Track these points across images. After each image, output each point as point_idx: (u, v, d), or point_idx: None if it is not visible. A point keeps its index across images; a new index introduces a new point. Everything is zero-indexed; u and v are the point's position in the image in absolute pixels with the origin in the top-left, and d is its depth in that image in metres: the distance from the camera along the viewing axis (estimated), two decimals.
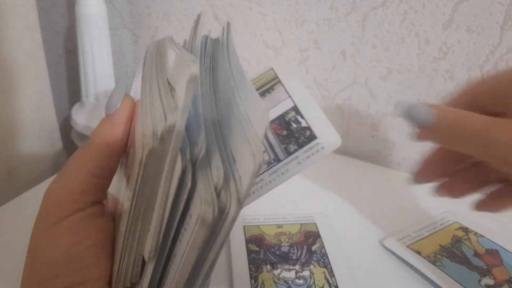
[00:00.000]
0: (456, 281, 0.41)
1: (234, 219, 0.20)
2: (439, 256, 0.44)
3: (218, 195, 0.20)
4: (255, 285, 0.39)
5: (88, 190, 0.24)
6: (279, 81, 0.35)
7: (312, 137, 0.34)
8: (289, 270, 0.41)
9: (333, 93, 0.62)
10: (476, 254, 0.44)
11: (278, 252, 0.43)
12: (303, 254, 0.43)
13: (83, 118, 0.68)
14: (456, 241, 0.46)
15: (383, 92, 0.59)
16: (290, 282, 0.40)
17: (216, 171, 0.21)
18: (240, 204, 0.20)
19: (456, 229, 0.48)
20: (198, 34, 0.27)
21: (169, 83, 0.22)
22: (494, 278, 0.42)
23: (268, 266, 0.41)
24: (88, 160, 0.24)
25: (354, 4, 0.55)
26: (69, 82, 0.83)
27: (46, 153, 0.66)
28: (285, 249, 0.44)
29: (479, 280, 0.41)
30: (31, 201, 0.50)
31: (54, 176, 0.26)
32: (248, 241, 0.44)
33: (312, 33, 0.60)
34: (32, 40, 0.59)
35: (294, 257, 0.43)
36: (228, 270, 0.42)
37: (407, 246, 0.45)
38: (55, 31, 0.79)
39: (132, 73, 0.77)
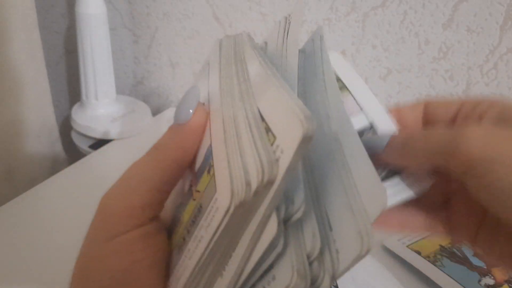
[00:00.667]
0: (456, 281, 0.41)
1: None
2: (439, 256, 0.44)
3: (311, 263, 0.18)
4: None
5: (149, 205, 0.22)
6: (345, 87, 0.27)
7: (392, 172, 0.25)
8: None
9: None
10: (475, 254, 0.44)
11: None
12: None
13: (83, 118, 0.68)
14: None
15: (383, 92, 0.59)
16: None
17: (311, 239, 0.18)
18: (333, 281, 0.18)
19: None
20: (288, 46, 0.22)
21: (262, 118, 0.18)
22: (494, 278, 0.42)
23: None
24: (153, 173, 0.22)
25: (354, 4, 0.55)
26: (69, 82, 0.83)
27: (46, 153, 0.66)
28: None
29: (479, 280, 0.41)
30: (30, 201, 0.49)
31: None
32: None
33: (312, 33, 0.60)
34: (32, 40, 0.59)
35: None
36: None
37: (407, 246, 0.45)
38: (55, 31, 0.79)
39: (132, 73, 0.77)
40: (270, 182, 0.16)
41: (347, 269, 0.17)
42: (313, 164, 0.20)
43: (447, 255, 0.44)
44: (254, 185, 0.16)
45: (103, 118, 0.67)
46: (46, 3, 0.76)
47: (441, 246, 0.45)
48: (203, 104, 0.22)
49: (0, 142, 0.58)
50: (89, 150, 0.69)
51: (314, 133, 0.15)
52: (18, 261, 0.42)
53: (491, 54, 0.51)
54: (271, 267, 0.19)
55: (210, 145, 0.20)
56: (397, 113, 0.27)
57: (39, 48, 0.61)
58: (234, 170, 0.18)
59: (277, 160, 0.16)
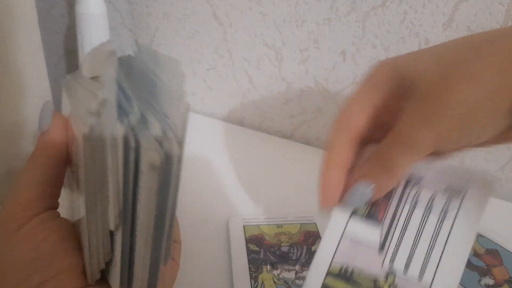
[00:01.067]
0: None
1: (179, 159, 0.23)
2: None
3: (161, 144, 0.23)
4: (255, 285, 0.39)
5: (40, 198, 0.26)
6: None
7: None
8: (289, 270, 0.41)
9: (333, 93, 0.62)
10: (476, 254, 0.44)
11: (278, 252, 0.43)
12: (303, 254, 0.43)
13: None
14: None
15: None
16: (290, 282, 0.40)
17: (154, 128, 0.23)
18: (181, 145, 0.23)
19: None
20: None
21: (91, 78, 0.25)
22: (494, 278, 0.42)
23: (268, 266, 0.41)
24: (35, 171, 0.26)
25: (354, 4, 0.55)
26: None
27: None
28: (285, 249, 0.44)
29: (479, 280, 0.41)
30: None
31: (17, 177, 0.27)
32: (248, 241, 0.44)
33: (312, 33, 0.60)
34: (32, 40, 0.59)
35: (294, 257, 0.43)
36: (228, 270, 0.42)
37: None
38: (55, 31, 0.79)
39: None
40: (104, 99, 0.22)
41: (184, 128, 0.23)
42: (145, 92, 0.26)
43: None
44: (93, 109, 0.22)
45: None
46: (46, 3, 0.76)
47: None
48: (58, 112, 0.28)
49: (1, 142, 0.58)
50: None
51: (114, 49, 0.24)
52: None
53: None
54: (137, 168, 0.23)
55: (71, 127, 0.26)
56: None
57: (40, 48, 0.61)
58: (80, 111, 0.23)
59: (103, 85, 0.23)
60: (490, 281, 0.41)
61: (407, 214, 0.31)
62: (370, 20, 0.55)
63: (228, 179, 0.56)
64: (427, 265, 0.29)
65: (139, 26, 0.72)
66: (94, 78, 0.25)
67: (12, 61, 0.56)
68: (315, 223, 0.48)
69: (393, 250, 0.30)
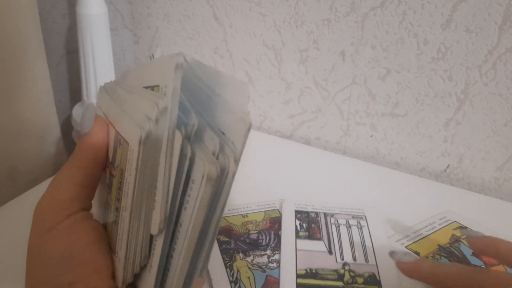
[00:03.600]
0: None
1: (233, 175, 0.24)
2: (437, 256, 0.44)
3: (217, 157, 0.24)
4: (231, 274, 0.41)
5: (76, 198, 0.27)
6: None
7: None
8: (261, 255, 0.43)
9: (333, 93, 0.62)
10: (474, 254, 0.45)
11: (248, 240, 0.45)
12: (272, 239, 0.45)
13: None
14: (455, 240, 0.46)
15: (382, 92, 0.59)
16: (264, 266, 0.42)
17: (211, 142, 0.24)
18: (237, 162, 0.24)
19: (454, 229, 0.48)
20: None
21: (146, 88, 0.26)
22: None
23: (241, 254, 0.43)
24: (74, 172, 0.27)
25: (353, 4, 0.56)
26: (70, 82, 0.84)
27: (47, 153, 0.66)
28: (254, 236, 0.45)
29: None
30: (32, 201, 0.50)
31: (55, 176, 0.27)
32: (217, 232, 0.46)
33: (311, 33, 0.60)
34: (33, 41, 0.59)
35: (263, 243, 0.45)
36: None
37: (406, 247, 0.45)
38: (56, 31, 0.79)
39: None
40: (164, 108, 0.23)
41: (243, 146, 0.24)
42: (202, 107, 0.27)
43: (445, 255, 0.44)
44: (154, 116, 0.23)
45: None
46: (47, 4, 0.77)
47: (439, 246, 0.46)
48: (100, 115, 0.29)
49: (2, 142, 0.58)
50: None
51: (183, 61, 0.24)
52: (19, 261, 0.42)
53: (489, 55, 0.51)
54: (188, 177, 0.24)
55: (116, 132, 0.26)
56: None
57: (41, 48, 0.61)
58: (136, 116, 0.24)
59: (165, 94, 0.24)
60: None
61: (336, 231, 0.47)
62: (369, 20, 0.56)
63: None
64: (367, 254, 0.44)
65: (140, 27, 0.72)
66: (151, 87, 0.25)
67: (13, 61, 0.57)
68: (278, 209, 0.50)
69: (339, 251, 0.44)
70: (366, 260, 0.43)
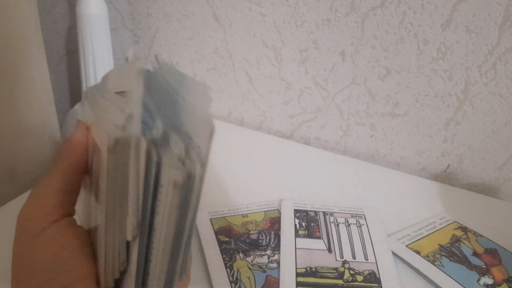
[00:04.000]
0: (455, 280, 0.41)
1: (201, 179, 0.24)
2: (438, 256, 0.44)
3: (183, 163, 0.24)
4: (231, 274, 0.41)
5: (59, 204, 0.27)
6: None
7: None
8: (261, 255, 0.43)
9: (332, 93, 0.62)
10: (475, 254, 0.45)
11: (248, 240, 0.45)
12: (272, 239, 0.45)
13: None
14: (455, 240, 0.46)
15: (382, 92, 0.59)
16: (264, 267, 0.42)
17: (177, 146, 0.24)
18: (204, 166, 0.24)
19: (455, 229, 0.48)
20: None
21: (116, 93, 0.26)
22: (493, 278, 0.42)
23: (241, 254, 0.43)
24: (56, 179, 0.27)
25: (353, 4, 0.56)
26: (70, 82, 0.84)
27: (47, 153, 0.66)
28: (254, 236, 0.46)
29: (478, 280, 0.42)
30: None
31: (38, 183, 0.28)
32: (217, 232, 0.46)
33: (311, 33, 0.60)
34: (33, 41, 0.59)
35: (264, 243, 0.45)
36: (203, 263, 0.42)
37: (407, 246, 0.45)
38: (56, 31, 0.79)
39: None
40: (130, 114, 0.24)
41: (208, 149, 0.24)
42: (168, 110, 0.27)
43: (446, 255, 0.44)
44: (120, 123, 0.23)
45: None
46: (47, 4, 0.77)
47: (440, 245, 0.46)
48: (82, 121, 0.30)
49: (2, 142, 0.58)
50: None
51: (144, 67, 0.25)
52: None
53: (489, 54, 0.51)
54: (157, 182, 0.24)
55: (93, 138, 0.27)
56: None
57: (41, 48, 0.61)
58: (105, 124, 0.25)
59: (130, 100, 0.25)
60: (489, 281, 0.42)
61: (335, 229, 0.47)
62: (369, 20, 0.56)
63: (221, 177, 0.56)
64: (367, 252, 0.44)
65: (140, 27, 0.72)
66: (120, 93, 0.26)
67: (13, 61, 0.57)
68: (278, 209, 0.49)
69: (339, 249, 0.44)
70: (366, 258, 0.43)
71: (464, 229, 0.48)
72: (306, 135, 0.67)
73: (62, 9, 0.76)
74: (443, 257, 0.44)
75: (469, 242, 0.46)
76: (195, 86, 0.27)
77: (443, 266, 0.43)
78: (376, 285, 0.40)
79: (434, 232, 0.48)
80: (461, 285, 0.41)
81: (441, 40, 0.53)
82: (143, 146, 0.24)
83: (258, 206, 0.50)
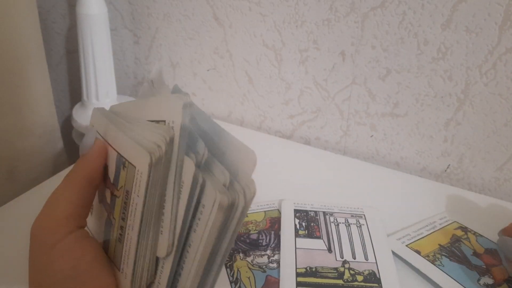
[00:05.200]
0: (455, 280, 0.41)
1: (243, 210, 0.25)
2: (438, 255, 0.44)
3: (228, 189, 0.25)
4: (231, 274, 0.41)
5: (72, 216, 0.28)
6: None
7: None
8: (262, 255, 0.43)
9: (333, 93, 0.62)
10: (475, 254, 0.45)
11: (248, 240, 0.45)
12: (272, 239, 0.45)
13: (84, 118, 0.69)
14: (456, 240, 0.46)
15: (382, 92, 0.59)
16: (264, 267, 0.42)
17: (222, 174, 0.25)
18: (247, 201, 0.25)
19: (455, 229, 0.48)
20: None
21: (151, 121, 0.27)
22: (493, 278, 0.42)
23: (241, 254, 0.43)
24: (70, 191, 0.28)
25: (353, 4, 0.56)
26: (70, 83, 0.84)
27: (47, 153, 0.66)
28: (254, 236, 0.46)
29: (478, 279, 0.42)
30: (31, 201, 0.50)
31: (55, 176, 0.28)
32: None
33: (311, 33, 0.60)
34: (33, 41, 0.59)
35: (264, 243, 0.45)
36: None
37: (407, 246, 0.45)
38: (56, 31, 0.79)
39: (133, 73, 0.78)
40: (172, 138, 0.25)
41: (253, 185, 0.26)
42: (205, 137, 0.28)
43: (446, 255, 0.44)
44: (162, 144, 0.25)
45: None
46: (47, 4, 0.77)
47: (440, 245, 0.45)
48: (100, 139, 0.30)
49: (2, 142, 0.58)
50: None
51: (191, 101, 0.26)
52: (19, 261, 0.42)
53: (490, 54, 0.51)
54: (198, 202, 0.25)
55: (118, 154, 0.28)
56: None
57: (41, 48, 0.61)
58: (143, 143, 0.25)
59: (172, 127, 0.26)
60: (489, 281, 0.41)
61: (335, 229, 0.47)
62: (369, 21, 0.56)
63: None
64: (367, 252, 0.44)
65: (140, 27, 0.72)
66: (157, 122, 0.27)
67: (13, 62, 0.57)
68: (278, 209, 0.49)
69: (339, 249, 0.44)
70: (366, 258, 0.43)
71: (464, 229, 0.48)
72: (306, 135, 0.67)
73: (62, 9, 0.76)
74: (443, 257, 0.44)
75: (469, 242, 0.46)
76: (238, 147, 0.27)
77: (443, 266, 0.43)
78: (376, 285, 0.40)
79: (434, 232, 0.48)
80: (461, 285, 0.41)
81: (441, 40, 0.53)
82: (191, 166, 0.25)
83: (258, 206, 0.50)
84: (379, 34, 0.56)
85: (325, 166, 0.60)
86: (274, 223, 0.48)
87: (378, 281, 0.41)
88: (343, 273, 0.41)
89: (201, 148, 0.26)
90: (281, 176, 0.57)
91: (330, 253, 0.44)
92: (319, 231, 0.46)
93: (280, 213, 0.49)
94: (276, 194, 0.52)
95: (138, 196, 0.26)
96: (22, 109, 0.60)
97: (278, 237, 0.45)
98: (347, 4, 0.56)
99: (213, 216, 0.24)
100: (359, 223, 0.48)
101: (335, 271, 0.41)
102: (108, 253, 0.29)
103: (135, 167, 0.26)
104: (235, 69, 0.67)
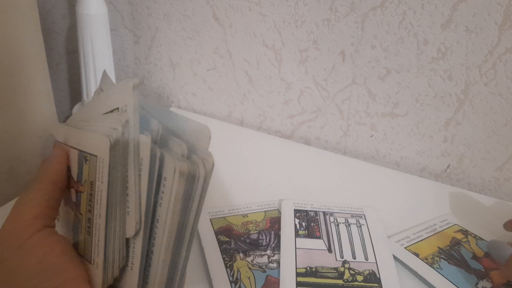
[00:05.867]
0: (453, 283, 0.41)
1: (205, 180, 0.26)
2: (437, 258, 0.44)
3: (187, 159, 0.25)
4: (231, 274, 0.41)
5: (39, 216, 0.28)
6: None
7: None
8: (262, 255, 0.43)
9: (333, 93, 0.62)
10: (474, 257, 0.44)
11: (248, 240, 0.45)
12: (272, 239, 0.45)
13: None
14: (455, 243, 0.46)
15: (382, 92, 0.59)
16: (264, 266, 0.42)
17: (179, 147, 0.26)
18: (207, 171, 0.25)
19: (455, 232, 0.48)
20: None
21: (105, 113, 0.28)
22: (492, 281, 0.42)
23: (241, 254, 0.43)
24: (36, 194, 0.29)
25: (353, 4, 0.56)
26: (70, 82, 0.84)
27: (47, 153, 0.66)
28: (254, 236, 0.46)
29: (477, 283, 0.41)
30: None
31: (17, 199, 0.29)
32: (218, 232, 0.46)
33: (311, 33, 0.60)
34: (33, 41, 0.59)
35: (264, 243, 0.45)
36: (203, 263, 0.42)
37: (405, 248, 0.45)
38: (56, 31, 0.79)
39: (133, 73, 0.78)
40: (126, 120, 0.26)
41: (209, 153, 0.26)
42: (158, 115, 0.28)
43: (445, 257, 0.44)
44: (118, 126, 0.25)
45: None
46: (47, 4, 0.77)
47: (439, 248, 0.45)
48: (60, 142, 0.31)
49: (2, 142, 0.58)
50: None
51: (138, 82, 0.27)
52: None
53: (489, 54, 0.51)
54: (160, 176, 0.26)
55: (79, 151, 0.29)
56: None
57: (41, 48, 0.61)
58: (101, 130, 0.26)
59: (126, 110, 0.26)
60: (488, 285, 0.41)
61: (335, 229, 0.47)
62: (369, 20, 0.56)
63: (221, 177, 0.56)
64: (367, 252, 0.44)
65: (140, 27, 0.72)
66: (111, 111, 0.28)
67: (13, 62, 0.57)
68: (278, 209, 0.50)
69: (339, 249, 0.44)
70: (366, 258, 0.43)
71: (465, 232, 0.48)
72: (306, 135, 0.67)
73: (62, 9, 0.76)
74: (442, 260, 0.44)
75: (469, 245, 0.46)
76: (192, 126, 0.28)
77: (442, 269, 0.43)
78: (376, 285, 0.40)
79: (434, 234, 0.48)
80: None
81: (441, 40, 0.53)
82: (147, 142, 0.25)
83: (258, 206, 0.50)
84: (379, 34, 0.56)
85: (325, 166, 0.60)
86: (274, 223, 0.48)
87: (378, 281, 0.41)
88: (343, 273, 0.41)
89: (154, 125, 0.27)
90: (281, 176, 0.57)
91: (330, 253, 0.44)
92: (319, 231, 0.46)
93: (280, 213, 0.49)
94: (276, 194, 0.52)
95: (102, 182, 0.26)
96: (22, 109, 0.60)
97: (278, 237, 0.45)
98: (347, 4, 0.56)
99: (175, 186, 0.25)
100: (359, 223, 0.48)
101: (335, 271, 0.41)
102: (78, 251, 0.30)
103: (96, 157, 0.27)
104: (235, 69, 0.67)
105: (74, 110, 0.71)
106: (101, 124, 0.27)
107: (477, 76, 0.53)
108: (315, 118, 0.65)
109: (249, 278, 0.40)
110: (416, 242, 0.46)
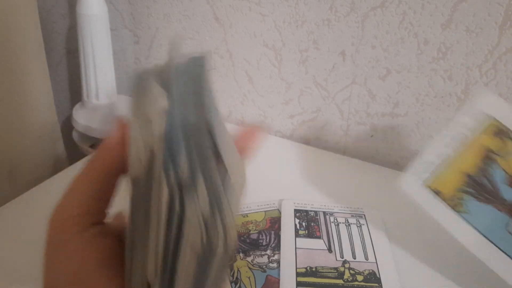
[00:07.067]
0: (481, 232, 0.33)
1: (226, 253, 0.21)
2: (463, 196, 0.35)
3: (206, 226, 0.21)
4: (231, 274, 0.41)
5: (87, 213, 0.25)
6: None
7: None
8: (262, 255, 0.43)
9: (333, 93, 0.62)
10: (509, 180, 0.34)
11: (248, 240, 0.45)
12: (272, 239, 0.46)
13: (84, 118, 0.69)
14: (488, 160, 0.34)
15: (382, 92, 0.59)
16: (264, 266, 0.42)
17: (203, 198, 0.22)
18: (229, 240, 0.21)
19: (491, 136, 0.35)
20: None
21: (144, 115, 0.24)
22: None
23: (241, 254, 0.43)
24: (86, 185, 0.26)
25: (353, 4, 0.56)
26: (70, 83, 0.84)
27: (47, 153, 0.66)
28: (254, 236, 0.46)
29: (507, 224, 0.32)
30: (32, 201, 0.50)
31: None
32: None
33: (311, 33, 0.60)
34: (33, 41, 0.59)
35: (264, 243, 0.45)
36: None
37: (426, 185, 0.37)
38: (56, 31, 0.79)
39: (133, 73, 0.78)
40: (153, 153, 0.22)
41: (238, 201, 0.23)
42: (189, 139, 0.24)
43: (473, 191, 0.34)
44: (143, 160, 0.22)
45: (104, 118, 0.67)
46: (47, 4, 0.77)
47: (467, 175, 0.34)
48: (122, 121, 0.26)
49: (2, 142, 0.58)
50: (90, 150, 0.70)
51: (166, 105, 0.22)
52: (19, 261, 0.42)
53: (490, 54, 0.51)
54: (181, 229, 0.22)
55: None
56: None
57: (41, 48, 0.61)
58: (132, 152, 0.23)
59: (153, 135, 0.22)
60: None
61: (336, 229, 0.47)
62: (369, 20, 0.56)
63: None
64: (367, 252, 0.44)
65: (140, 27, 0.72)
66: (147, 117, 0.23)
67: (14, 62, 0.57)
68: (278, 209, 0.50)
69: (339, 249, 0.44)
70: (366, 258, 0.43)
71: (504, 133, 0.31)
72: (306, 135, 0.67)
73: (62, 9, 0.76)
74: (469, 198, 0.34)
75: (505, 160, 0.32)
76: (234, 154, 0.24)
77: (468, 213, 0.33)
78: (376, 285, 0.40)
79: (461, 150, 0.35)
80: (487, 238, 0.32)
81: (441, 40, 0.53)
82: (165, 195, 0.21)
83: (258, 206, 0.50)
84: (379, 34, 0.56)
85: (325, 166, 0.60)
86: (274, 223, 0.48)
87: (378, 280, 0.41)
88: (343, 273, 0.41)
89: (182, 162, 0.22)
90: (281, 176, 0.57)
91: (330, 253, 0.44)
92: (319, 231, 0.46)
93: (280, 213, 0.49)
94: (276, 194, 0.52)
95: (128, 207, 0.23)
96: (22, 109, 0.60)
97: (278, 237, 0.45)
98: (347, 4, 0.56)
99: (187, 258, 0.22)
100: (359, 223, 0.48)
101: (335, 271, 0.41)
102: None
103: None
104: (235, 69, 0.67)
105: (74, 110, 0.71)
106: (137, 136, 0.23)
107: (478, 76, 0.53)
108: (315, 118, 0.65)
109: (249, 278, 0.41)
110: (438, 172, 0.36)
